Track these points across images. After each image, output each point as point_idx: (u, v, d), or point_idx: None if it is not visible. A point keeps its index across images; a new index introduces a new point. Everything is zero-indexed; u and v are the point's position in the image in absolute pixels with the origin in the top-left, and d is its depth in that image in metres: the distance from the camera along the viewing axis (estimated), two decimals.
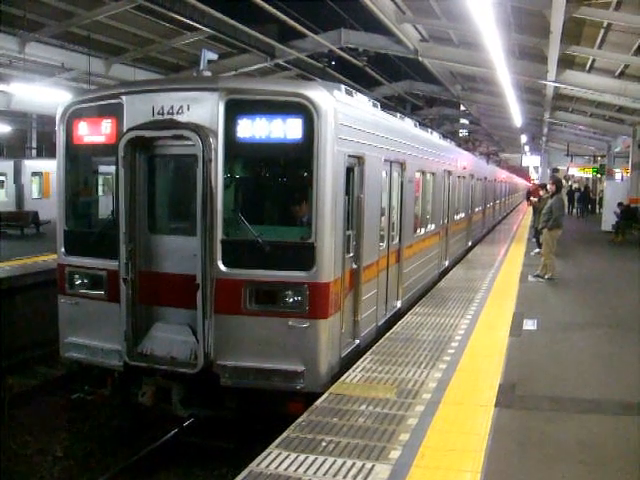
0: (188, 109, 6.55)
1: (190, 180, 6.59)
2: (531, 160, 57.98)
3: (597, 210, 37.11)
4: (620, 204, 24.62)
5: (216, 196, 6.45)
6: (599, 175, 39.68)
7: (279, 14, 14.34)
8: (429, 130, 14.38)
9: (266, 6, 13.57)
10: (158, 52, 19.01)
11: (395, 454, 4.83)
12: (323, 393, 6.18)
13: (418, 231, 11.42)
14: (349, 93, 7.46)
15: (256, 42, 17.31)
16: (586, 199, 39.15)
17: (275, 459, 4.73)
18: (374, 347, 7.83)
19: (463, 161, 17.39)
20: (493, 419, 5.62)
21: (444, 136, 19.46)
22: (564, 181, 41.58)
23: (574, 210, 38.65)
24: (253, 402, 6.60)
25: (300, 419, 5.53)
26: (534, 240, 18.46)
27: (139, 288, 6.80)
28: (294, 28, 15.88)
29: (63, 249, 7.45)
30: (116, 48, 18.66)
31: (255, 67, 19.79)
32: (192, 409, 6.92)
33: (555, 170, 46.43)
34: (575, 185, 48.51)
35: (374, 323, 8.38)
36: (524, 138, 42.82)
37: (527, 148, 51.53)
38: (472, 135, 43.64)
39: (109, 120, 7.01)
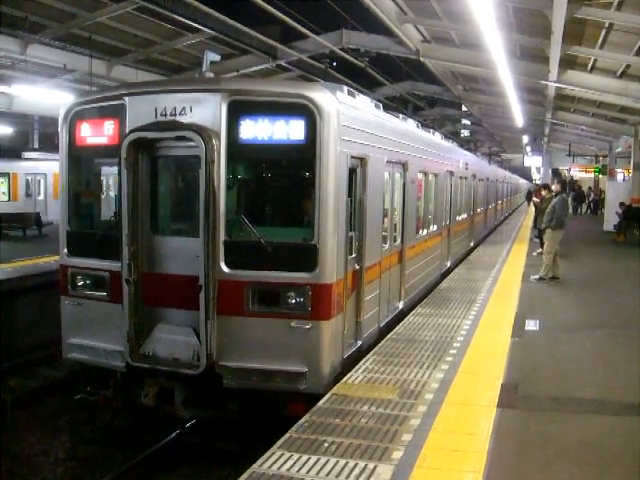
0: (191, 110, 6.56)
1: (193, 181, 6.61)
2: (533, 160, 57.99)
3: (598, 211, 37.19)
4: (622, 204, 24.67)
5: (219, 197, 6.45)
6: (600, 175, 39.80)
7: (281, 15, 14.38)
8: (431, 131, 14.38)
9: (268, 7, 13.61)
10: (160, 53, 19.05)
11: (397, 455, 4.83)
12: (325, 394, 6.18)
13: (420, 232, 11.42)
14: (351, 94, 7.47)
15: (258, 43, 17.33)
16: (581, 198, 39.56)
17: (277, 460, 4.74)
18: (376, 348, 7.82)
19: (465, 161, 17.38)
20: (495, 420, 5.61)
21: (446, 137, 19.45)
22: (565, 172, 41.90)
23: (578, 209, 38.92)
24: (255, 403, 6.60)
25: (302, 420, 5.53)
26: (536, 240, 18.44)
27: (142, 289, 6.81)
28: (296, 29, 15.93)
29: (66, 250, 7.46)
30: (118, 49, 18.68)
31: (257, 68, 19.83)
32: (194, 410, 6.93)
33: (556, 170, 46.43)
34: (575, 177, 48.51)
35: (376, 324, 8.38)
36: (526, 138, 42.90)
37: (529, 148, 51.56)
38: (474, 136, 43.76)
39: (111, 121, 7.02)
